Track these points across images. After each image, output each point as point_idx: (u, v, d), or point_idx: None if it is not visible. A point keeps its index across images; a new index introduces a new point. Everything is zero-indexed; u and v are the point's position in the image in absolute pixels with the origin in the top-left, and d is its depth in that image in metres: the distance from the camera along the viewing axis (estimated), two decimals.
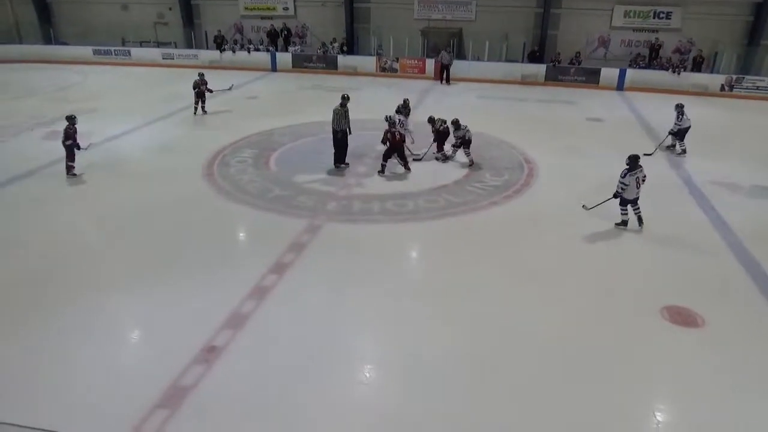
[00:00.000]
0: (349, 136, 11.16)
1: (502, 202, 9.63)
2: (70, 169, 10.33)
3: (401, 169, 10.93)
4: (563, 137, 13.74)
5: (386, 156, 10.81)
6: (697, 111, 16.05)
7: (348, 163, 11.19)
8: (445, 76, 21.57)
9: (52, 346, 5.59)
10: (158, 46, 25.91)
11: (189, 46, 25.46)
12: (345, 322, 6.13)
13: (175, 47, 25.57)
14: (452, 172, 11.01)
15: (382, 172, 10.81)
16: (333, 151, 11.12)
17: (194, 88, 15.43)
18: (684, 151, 12.51)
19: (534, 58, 22.58)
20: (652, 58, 22.03)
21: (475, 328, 6.06)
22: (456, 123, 11.39)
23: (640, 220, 8.54)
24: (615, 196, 8.43)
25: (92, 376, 5.19)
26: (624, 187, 8.29)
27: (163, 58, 24.48)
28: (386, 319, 6.24)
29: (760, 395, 5.15)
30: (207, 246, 7.83)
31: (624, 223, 8.57)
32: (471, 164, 11.31)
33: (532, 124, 13.81)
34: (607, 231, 8.56)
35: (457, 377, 5.28)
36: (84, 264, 7.33)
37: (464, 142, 11.29)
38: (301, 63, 23.91)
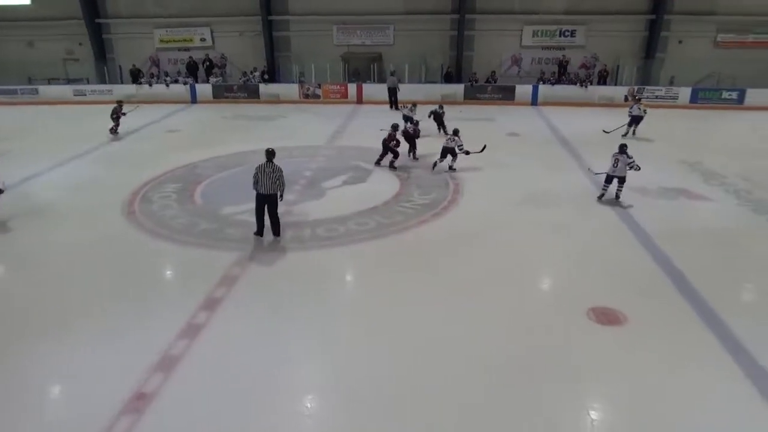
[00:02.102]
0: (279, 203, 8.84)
1: (431, 220, 9.82)
2: None
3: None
4: (485, 153, 14.21)
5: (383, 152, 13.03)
6: (605, 121, 17.15)
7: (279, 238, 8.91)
8: (393, 100, 21.08)
9: None
10: (69, 83, 24.84)
11: (102, 81, 24.59)
12: (282, 353, 5.98)
13: (88, 83, 24.61)
14: (381, 193, 11.13)
15: (378, 162, 13.10)
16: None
17: (112, 114, 16.63)
18: (634, 133, 16.17)
19: (449, 78, 23.36)
20: (560, 73, 23.33)
21: (410, 345, 6.09)
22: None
23: (616, 196, 10.51)
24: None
25: None
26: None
27: (75, 95, 23.50)
28: (324, 346, 6.16)
29: (681, 383, 5.47)
30: (131, 287, 7.47)
31: (600, 196, 10.58)
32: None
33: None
34: (531, 240, 8.93)
35: (401, 397, 5.27)
36: None
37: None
38: (221, 93, 23.60)
